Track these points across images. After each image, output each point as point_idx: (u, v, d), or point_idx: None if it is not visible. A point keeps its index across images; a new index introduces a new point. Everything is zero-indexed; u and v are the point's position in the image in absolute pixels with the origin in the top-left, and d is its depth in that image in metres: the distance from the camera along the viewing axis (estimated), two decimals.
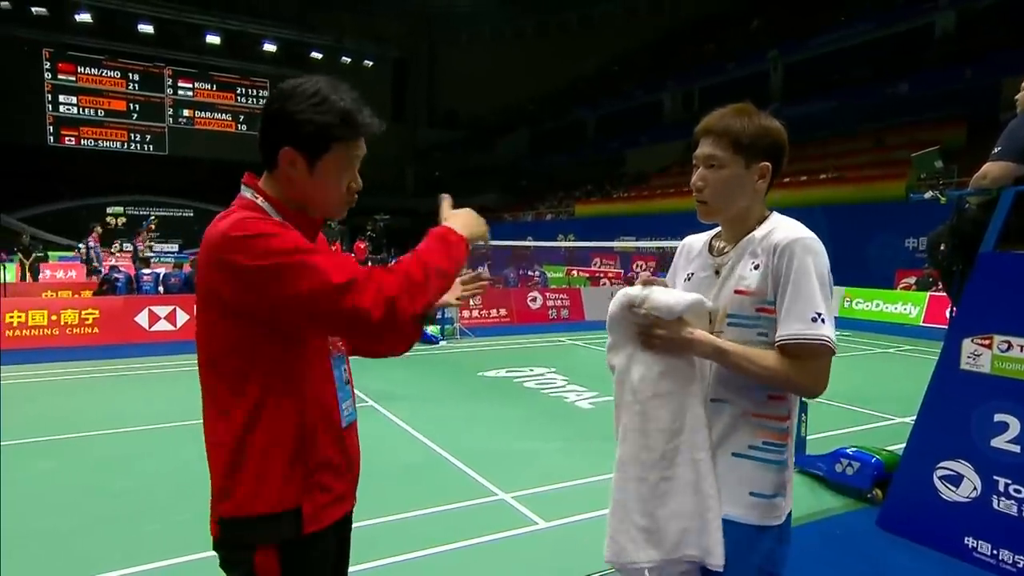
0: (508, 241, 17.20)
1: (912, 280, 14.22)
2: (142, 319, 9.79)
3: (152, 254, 14.66)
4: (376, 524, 3.38)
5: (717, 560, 1.35)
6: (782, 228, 1.39)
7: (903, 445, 3.52)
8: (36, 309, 9.29)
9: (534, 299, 13.29)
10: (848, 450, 3.95)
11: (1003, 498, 2.91)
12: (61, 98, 31.24)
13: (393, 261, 1.30)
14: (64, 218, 28.50)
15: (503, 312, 12.75)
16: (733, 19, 28.84)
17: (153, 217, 31.03)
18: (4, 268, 11.31)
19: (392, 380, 7.13)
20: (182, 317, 9.87)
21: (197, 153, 33.27)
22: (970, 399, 3.06)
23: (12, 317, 8.98)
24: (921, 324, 12.49)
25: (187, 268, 11.87)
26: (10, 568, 2.94)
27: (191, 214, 33.50)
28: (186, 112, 33.81)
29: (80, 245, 20.59)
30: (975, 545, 2.99)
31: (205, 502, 1.29)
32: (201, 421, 1.28)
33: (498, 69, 36.41)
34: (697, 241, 1.60)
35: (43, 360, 8.07)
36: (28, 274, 14.25)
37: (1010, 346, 2.93)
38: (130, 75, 32.42)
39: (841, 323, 11.36)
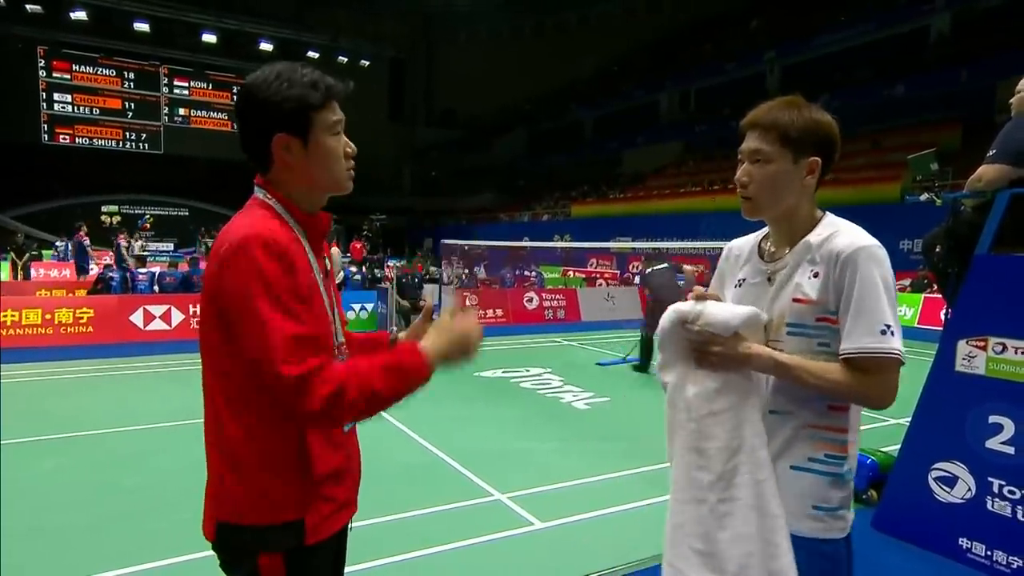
0: (505, 241, 17.18)
1: (907, 282, 14.26)
2: (137, 318, 9.74)
3: (135, 254, 14.52)
4: (373, 524, 3.38)
5: None
6: (843, 234, 1.32)
7: (898, 446, 3.53)
8: (30, 308, 9.24)
9: (530, 299, 13.29)
10: None
11: (997, 499, 2.92)
12: (56, 96, 31.11)
13: (385, 266, 1.27)
14: (58, 216, 28.36)
15: (499, 312, 12.75)
16: (730, 20, 28.91)
17: (148, 216, 30.96)
18: None
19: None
20: (177, 316, 9.83)
21: (193, 152, 33.17)
22: (965, 401, 3.07)
23: (5, 316, 8.93)
24: (916, 326, 12.53)
25: (183, 267, 11.83)
26: (9, 566, 2.92)
27: (186, 213, 33.41)
28: (182, 111, 33.71)
29: (59, 243, 20.51)
30: (969, 546, 3.00)
31: (200, 502, 1.28)
32: (200, 421, 1.27)
33: (496, 69, 36.40)
34: (744, 245, 1.54)
35: (37, 359, 8.02)
36: (20, 273, 14.16)
37: (1005, 348, 2.94)
38: (125, 73, 32.31)
39: None
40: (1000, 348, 2.96)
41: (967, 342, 3.08)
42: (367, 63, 35.81)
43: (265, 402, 1.16)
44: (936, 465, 3.15)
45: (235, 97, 1.29)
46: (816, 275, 1.33)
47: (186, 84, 33.68)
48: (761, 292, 1.41)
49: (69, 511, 3.66)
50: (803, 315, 1.34)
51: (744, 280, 1.46)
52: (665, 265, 8.13)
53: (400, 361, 1.20)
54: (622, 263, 21.70)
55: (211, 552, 1.28)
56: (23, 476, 4.10)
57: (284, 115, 1.20)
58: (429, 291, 11.65)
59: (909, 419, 3.41)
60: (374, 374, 1.16)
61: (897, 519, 3.33)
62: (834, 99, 21.64)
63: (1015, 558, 2.84)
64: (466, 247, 17.03)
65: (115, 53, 31.65)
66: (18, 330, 8.99)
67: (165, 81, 33.23)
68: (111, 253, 15.52)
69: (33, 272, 14.96)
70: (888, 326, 1.26)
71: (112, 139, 32.38)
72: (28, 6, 28.35)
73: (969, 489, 3.02)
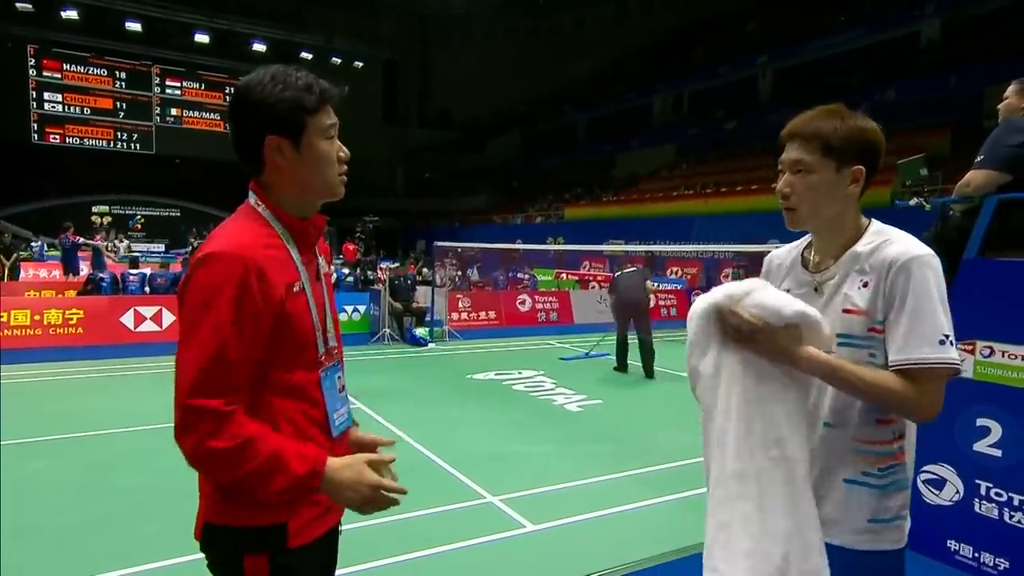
0: (498, 244, 17.19)
1: None
2: (127, 319, 9.68)
3: (123, 256, 14.40)
4: (364, 527, 3.36)
5: None
6: (896, 243, 1.30)
7: None
8: (19, 309, 9.16)
9: (523, 302, 13.30)
10: None
11: (984, 501, 2.95)
12: (46, 95, 30.82)
13: (380, 265, 1.26)
14: (49, 216, 28.12)
15: (492, 315, 12.75)
16: (724, 24, 29.08)
17: (139, 216, 30.74)
18: None
19: (381, 383, 7.10)
20: (168, 318, 9.78)
21: (185, 152, 32.97)
22: (953, 404, 3.08)
23: None
24: None
25: (175, 268, 11.76)
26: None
27: (178, 214, 33.19)
28: (174, 111, 33.50)
29: (34, 243, 20.26)
30: (957, 548, 3.03)
31: (195, 504, 1.28)
32: None
33: (490, 71, 36.42)
34: (785, 255, 1.51)
35: (26, 360, 7.96)
36: (8, 274, 14.00)
37: (992, 352, 2.97)
38: (117, 73, 32.07)
39: None
40: (988, 352, 2.99)
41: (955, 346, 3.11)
42: (361, 64, 35.74)
43: (247, 403, 1.17)
44: (925, 468, 3.17)
45: (228, 98, 1.29)
46: (866, 285, 1.30)
47: (178, 84, 33.48)
48: (808, 303, 1.34)
49: (57, 512, 3.63)
50: (853, 326, 1.31)
51: (788, 291, 1.42)
52: (633, 269, 8.35)
53: (298, 468, 1.14)
54: (615, 266, 21.74)
55: (197, 556, 1.28)
56: (11, 477, 4.06)
57: (277, 117, 1.20)
58: (422, 293, 11.64)
59: None
60: (262, 470, 1.11)
61: None
62: (825, 103, 21.82)
63: (1002, 560, 2.87)
64: (459, 249, 17.03)
65: (107, 53, 31.40)
66: (7, 331, 8.92)
67: (157, 81, 33.01)
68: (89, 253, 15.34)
69: (22, 273, 14.82)
70: (946, 336, 1.24)
71: (103, 139, 32.13)
72: (19, 4, 28.11)
73: (957, 492, 3.05)
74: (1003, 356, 2.93)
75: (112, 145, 32.22)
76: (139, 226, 30.69)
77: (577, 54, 34.47)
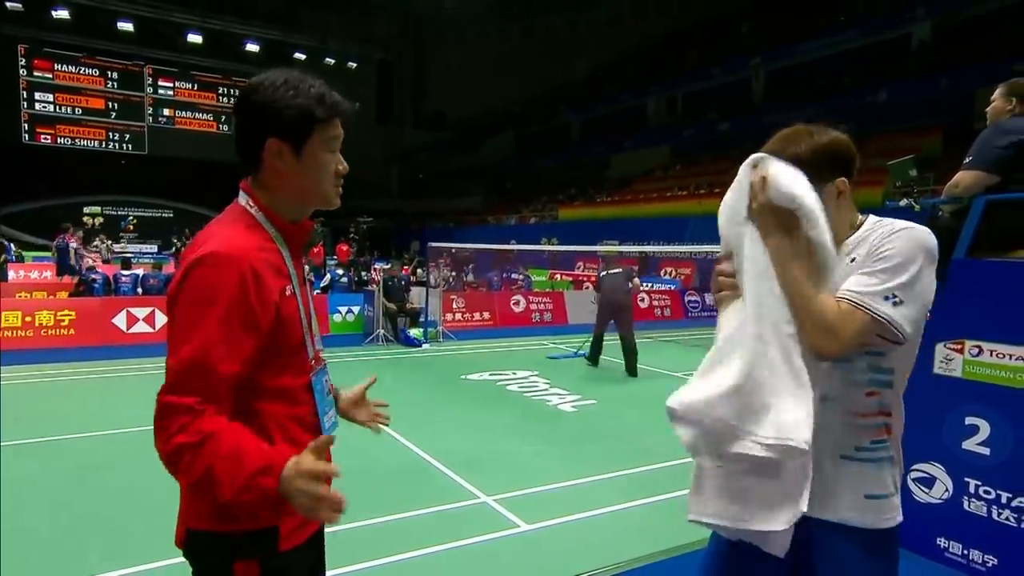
0: (491, 244, 17.18)
1: None
2: (120, 321, 9.63)
3: (110, 257, 14.30)
4: (358, 527, 3.37)
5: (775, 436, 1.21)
6: (893, 223, 1.33)
7: None
8: (9, 310, 9.10)
9: (517, 302, 13.31)
10: None
11: (973, 499, 2.98)
12: (37, 95, 30.59)
13: (375, 261, 1.25)
14: (40, 217, 27.93)
15: (486, 315, 12.75)
16: (717, 26, 29.20)
17: (132, 217, 30.56)
18: None
19: (375, 383, 7.09)
20: (161, 319, 9.73)
21: (177, 153, 32.79)
22: (942, 403, 3.13)
23: None
24: None
25: (168, 268, 11.71)
26: None
27: (171, 215, 33.03)
28: (166, 111, 33.32)
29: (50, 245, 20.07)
30: (947, 545, 3.06)
31: None
32: None
33: (484, 71, 36.43)
34: None
35: (17, 362, 7.90)
36: None
37: (981, 351, 3.00)
38: (109, 73, 31.87)
39: None
40: (976, 351, 3.02)
41: (944, 345, 3.14)
42: (355, 65, 35.67)
43: (235, 407, 1.15)
44: (915, 466, 3.20)
45: (230, 97, 1.27)
46: (852, 260, 1.33)
47: (171, 84, 33.29)
48: None
49: (48, 514, 3.61)
50: None
51: None
52: (618, 270, 8.59)
53: (250, 472, 1.05)
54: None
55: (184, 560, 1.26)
56: (4, 479, 4.04)
57: (282, 121, 1.19)
58: (416, 294, 11.63)
59: None
60: (225, 459, 1.05)
61: None
62: (818, 105, 21.97)
63: (990, 557, 2.90)
64: (453, 250, 17.02)
65: (98, 52, 31.21)
66: None
67: (149, 81, 32.82)
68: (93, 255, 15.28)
69: (12, 274, 14.70)
70: (896, 295, 1.24)
71: (95, 139, 31.92)
72: (9, 3, 27.89)
73: (946, 489, 3.08)
74: (991, 355, 2.96)
75: (104, 145, 32.00)
76: (131, 227, 30.52)
77: (571, 55, 34.54)
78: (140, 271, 12.00)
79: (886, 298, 1.24)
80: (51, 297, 10.90)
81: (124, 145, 32.43)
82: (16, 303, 9.67)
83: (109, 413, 5.79)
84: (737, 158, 1.49)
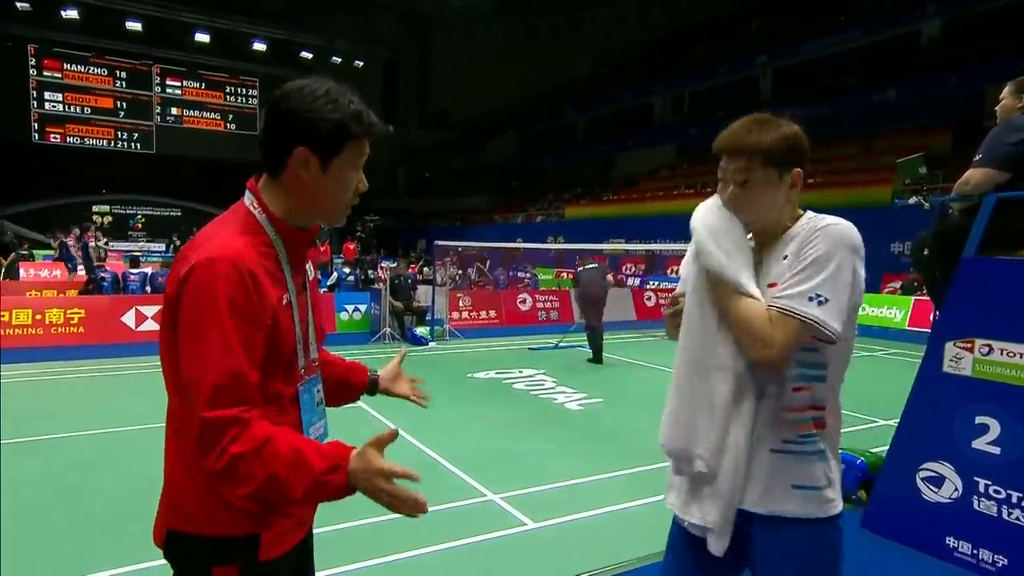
0: (498, 243, 17.20)
1: (898, 284, 14.38)
2: (129, 319, 9.70)
3: (92, 252, 14.31)
4: (365, 525, 3.38)
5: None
6: (827, 219, 1.39)
7: (887, 447, 3.57)
8: (20, 308, 9.18)
9: (523, 301, 13.31)
10: None
11: (983, 499, 2.96)
12: (46, 95, 30.82)
13: (378, 266, 1.23)
14: (49, 216, 28.14)
15: (492, 314, 12.76)
16: (724, 24, 29.07)
17: (140, 216, 30.74)
18: None
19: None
20: None
21: (185, 152, 32.97)
22: (952, 402, 3.11)
23: None
24: (906, 328, 12.63)
25: None
26: None
27: (179, 213, 33.22)
28: (174, 110, 33.50)
29: (53, 243, 20.15)
30: (956, 545, 3.04)
31: None
32: None
33: (489, 70, 36.42)
34: None
35: (27, 360, 7.97)
36: (4, 272, 13.96)
37: (991, 349, 2.98)
38: (117, 72, 32.06)
39: None
40: (987, 350, 3.00)
41: (954, 344, 3.12)
42: (361, 64, 35.75)
43: (262, 410, 1.14)
44: (924, 465, 3.18)
45: (273, 95, 1.23)
46: (785, 257, 1.39)
47: (179, 84, 33.47)
48: None
49: (47, 512, 3.64)
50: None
51: None
52: (594, 265, 9.13)
53: (322, 465, 1.08)
54: (615, 265, 21.75)
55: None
56: (4, 477, 4.08)
57: (317, 133, 1.18)
58: (423, 292, 11.65)
59: (898, 420, 3.45)
60: (287, 463, 1.07)
61: (885, 519, 3.36)
62: (826, 103, 21.85)
63: (1000, 556, 2.88)
64: (459, 248, 17.04)
65: (107, 52, 31.41)
66: (8, 330, 8.93)
67: (157, 81, 33.00)
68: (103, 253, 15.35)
69: (23, 272, 14.81)
70: (819, 295, 1.29)
71: (104, 138, 32.13)
72: (19, 4, 28.11)
73: (956, 489, 3.06)
74: (1002, 354, 2.94)
75: (112, 145, 32.21)
76: (139, 225, 30.71)
77: (576, 54, 34.47)
78: (149, 269, 12.07)
79: (810, 299, 1.29)
80: (61, 295, 10.98)
81: (132, 144, 32.64)
82: (27, 301, 9.76)
83: (118, 410, 5.82)
84: None
